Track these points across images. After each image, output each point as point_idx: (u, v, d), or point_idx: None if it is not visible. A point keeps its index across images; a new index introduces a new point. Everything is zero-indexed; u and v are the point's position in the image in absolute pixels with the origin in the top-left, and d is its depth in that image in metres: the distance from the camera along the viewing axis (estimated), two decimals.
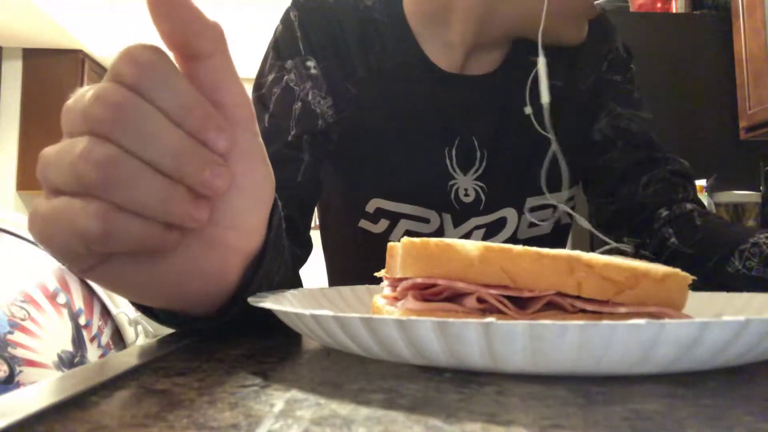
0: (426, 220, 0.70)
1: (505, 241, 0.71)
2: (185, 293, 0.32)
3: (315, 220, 0.72)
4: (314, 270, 0.92)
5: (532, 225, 0.72)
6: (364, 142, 0.69)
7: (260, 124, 0.63)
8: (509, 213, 0.71)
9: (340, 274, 0.83)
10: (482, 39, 0.68)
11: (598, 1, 0.67)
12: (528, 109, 0.67)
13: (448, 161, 0.69)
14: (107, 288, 0.30)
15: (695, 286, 0.32)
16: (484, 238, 0.71)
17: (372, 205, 0.70)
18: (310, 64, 0.65)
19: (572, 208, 0.76)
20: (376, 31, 0.68)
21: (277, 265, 0.39)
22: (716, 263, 0.59)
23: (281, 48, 0.66)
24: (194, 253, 0.30)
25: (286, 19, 0.68)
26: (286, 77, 0.65)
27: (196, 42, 0.27)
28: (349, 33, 0.67)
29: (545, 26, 0.63)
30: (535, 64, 0.68)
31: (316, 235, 0.67)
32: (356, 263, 0.77)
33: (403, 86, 0.68)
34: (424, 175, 0.69)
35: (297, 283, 0.54)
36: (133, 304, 0.35)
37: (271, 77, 0.66)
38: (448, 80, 0.68)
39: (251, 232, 0.33)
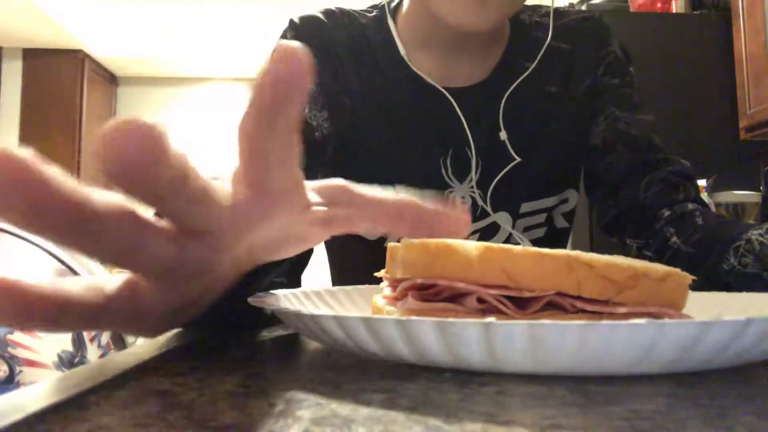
0: None
1: None
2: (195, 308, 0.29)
3: None
4: (314, 270, 0.92)
5: (526, 229, 0.72)
6: (359, 153, 0.71)
7: None
8: (503, 217, 0.72)
9: (343, 279, 0.84)
10: (458, 41, 0.69)
11: None
12: (503, 135, 0.70)
13: (443, 171, 0.71)
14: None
15: (695, 286, 0.32)
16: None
17: None
18: None
19: (572, 211, 0.77)
20: (369, 48, 0.72)
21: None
22: (713, 261, 0.59)
23: None
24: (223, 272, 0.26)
25: (282, 40, 0.70)
26: None
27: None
28: (343, 50, 0.71)
29: (439, 11, 0.62)
30: (527, 69, 0.69)
31: None
32: (357, 270, 0.78)
33: (394, 101, 0.71)
34: (420, 185, 0.70)
35: (292, 284, 0.54)
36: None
37: None
38: (438, 94, 0.69)
39: None
